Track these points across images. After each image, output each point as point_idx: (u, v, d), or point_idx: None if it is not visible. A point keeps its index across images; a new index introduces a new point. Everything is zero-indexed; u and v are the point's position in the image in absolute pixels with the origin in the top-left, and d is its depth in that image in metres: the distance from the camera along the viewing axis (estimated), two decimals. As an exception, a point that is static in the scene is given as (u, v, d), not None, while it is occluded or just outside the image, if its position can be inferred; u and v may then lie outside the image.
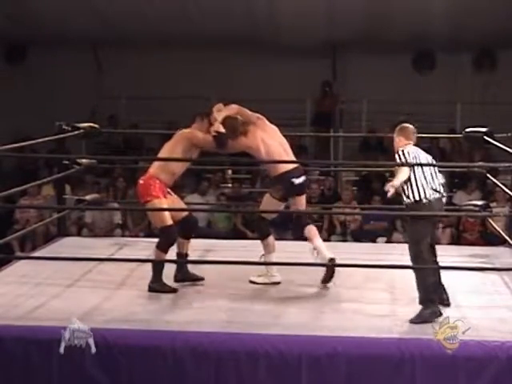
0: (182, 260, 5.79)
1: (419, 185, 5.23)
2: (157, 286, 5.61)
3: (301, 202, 6.02)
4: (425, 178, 5.27)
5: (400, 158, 5.29)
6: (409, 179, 5.21)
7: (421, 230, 5.20)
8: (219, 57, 12.76)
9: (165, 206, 5.68)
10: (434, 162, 5.45)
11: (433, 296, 5.13)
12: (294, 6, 11.56)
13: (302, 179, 5.95)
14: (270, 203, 5.98)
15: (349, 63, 13.21)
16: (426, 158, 5.39)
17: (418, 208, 5.24)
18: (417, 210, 5.24)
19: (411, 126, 5.53)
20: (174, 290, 5.64)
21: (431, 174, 5.32)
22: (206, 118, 5.93)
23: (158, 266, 5.65)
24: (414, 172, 5.24)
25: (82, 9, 11.92)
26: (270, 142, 5.95)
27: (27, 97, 13.04)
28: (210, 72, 12.82)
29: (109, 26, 12.34)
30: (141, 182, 5.76)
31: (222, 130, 5.83)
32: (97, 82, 13.41)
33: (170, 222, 5.66)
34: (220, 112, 5.90)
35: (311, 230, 6.04)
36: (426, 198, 5.22)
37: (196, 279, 5.84)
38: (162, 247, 5.68)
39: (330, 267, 5.82)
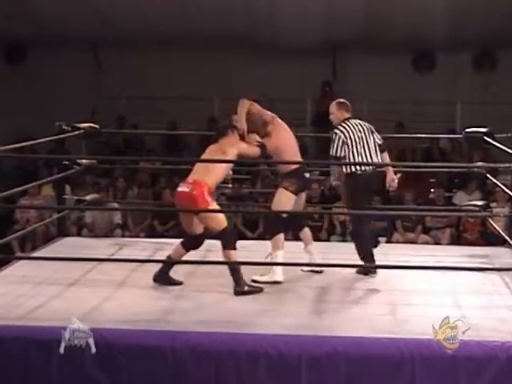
0: (183, 261, 5.78)
1: (352, 158, 6.03)
2: (245, 289, 5.55)
3: (303, 198, 6.24)
4: (357, 152, 6.03)
5: (334, 138, 6.05)
6: (345, 153, 6.01)
7: (358, 201, 5.98)
8: (219, 57, 12.76)
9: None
10: (370, 131, 6.15)
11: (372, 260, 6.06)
12: (293, 6, 11.56)
13: (308, 174, 6.18)
14: (283, 197, 6.03)
15: (349, 63, 13.21)
16: (359, 130, 6.07)
17: (353, 179, 5.99)
18: (351, 182, 6.00)
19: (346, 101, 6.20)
20: (260, 290, 5.62)
21: (364, 147, 6.07)
22: (235, 129, 5.91)
23: (237, 269, 5.56)
24: (347, 146, 6.02)
25: (82, 9, 11.92)
26: (291, 141, 6.13)
27: (27, 97, 13.04)
28: (210, 72, 12.81)
29: (109, 25, 12.34)
30: (186, 190, 5.57)
31: (259, 138, 5.97)
32: (97, 82, 13.41)
33: (226, 223, 5.65)
34: (241, 118, 5.93)
35: (306, 233, 6.30)
36: (360, 169, 6.00)
37: (174, 283, 5.78)
38: (231, 246, 5.58)
39: None
